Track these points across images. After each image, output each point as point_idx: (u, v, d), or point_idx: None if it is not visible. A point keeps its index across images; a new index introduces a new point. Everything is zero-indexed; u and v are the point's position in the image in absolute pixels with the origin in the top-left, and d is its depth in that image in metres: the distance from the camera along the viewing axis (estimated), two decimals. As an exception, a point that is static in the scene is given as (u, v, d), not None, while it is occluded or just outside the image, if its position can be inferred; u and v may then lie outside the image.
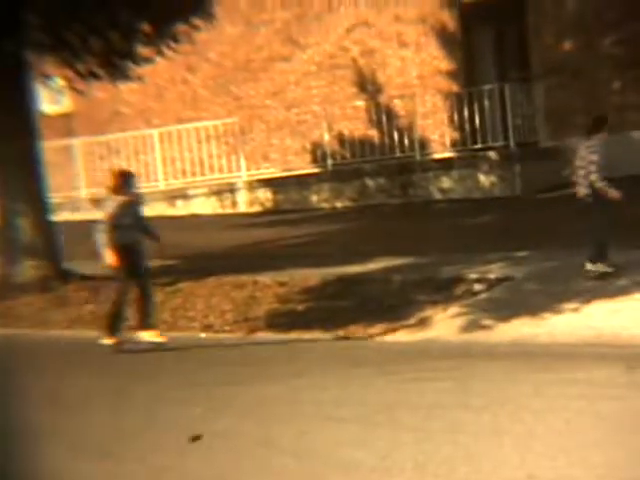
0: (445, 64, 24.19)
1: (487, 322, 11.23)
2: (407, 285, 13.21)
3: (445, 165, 22.37)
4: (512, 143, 21.80)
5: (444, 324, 11.47)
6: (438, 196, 21.90)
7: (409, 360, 10.14)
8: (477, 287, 12.83)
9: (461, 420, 7.23)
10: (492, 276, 13.20)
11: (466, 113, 22.66)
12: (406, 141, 23.20)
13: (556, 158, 21.76)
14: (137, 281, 11.13)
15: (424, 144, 23.53)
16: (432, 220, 19.42)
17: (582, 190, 12.12)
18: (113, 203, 10.89)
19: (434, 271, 13.82)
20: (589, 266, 12.10)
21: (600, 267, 11.98)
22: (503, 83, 22.47)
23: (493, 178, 21.60)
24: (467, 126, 22.62)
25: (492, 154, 21.89)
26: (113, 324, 11.12)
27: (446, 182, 22.09)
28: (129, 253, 10.82)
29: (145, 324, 11.34)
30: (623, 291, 11.30)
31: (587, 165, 11.99)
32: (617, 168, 20.94)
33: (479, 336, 10.82)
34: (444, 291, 12.75)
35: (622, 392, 7.71)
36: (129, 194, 11.11)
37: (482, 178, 21.72)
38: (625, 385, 7.96)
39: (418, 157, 22.83)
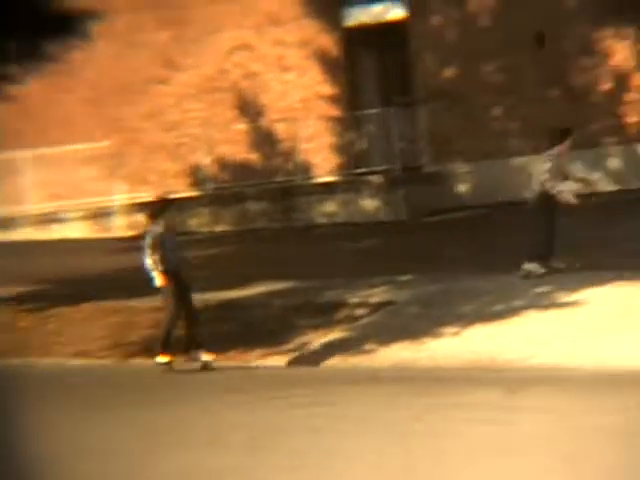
0: (328, 88, 24.25)
1: (368, 347, 11.15)
2: (288, 310, 13.06)
3: (329, 189, 22.38)
4: (396, 167, 21.95)
5: (323, 349, 11.33)
6: (321, 220, 21.87)
7: (287, 385, 9.97)
8: (359, 312, 12.76)
9: (339, 446, 7.08)
10: (374, 300, 13.17)
11: (349, 137, 22.76)
12: (289, 165, 23.14)
13: (440, 182, 22.08)
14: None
15: (307, 168, 23.51)
16: (315, 244, 19.34)
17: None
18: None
19: (315, 296, 13.71)
20: (527, 266, 12.53)
21: (534, 267, 12.40)
22: (387, 107, 22.66)
23: (377, 202, 21.71)
24: (351, 150, 22.70)
25: (376, 178, 22.01)
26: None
27: (330, 206, 22.09)
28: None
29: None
30: (500, 315, 11.37)
31: (544, 174, 12.35)
32: (497, 194, 21.59)
33: (360, 361, 10.73)
34: (325, 316, 12.63)
35: (502, 416, 7.69)
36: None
37: (366, 202, 21.80)
38: (504, 409, 7.96)
39: (301, 181, 22.77)
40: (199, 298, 13.97)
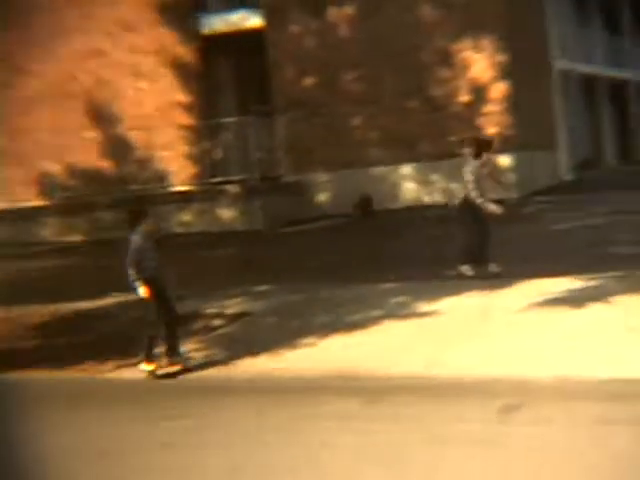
0: (184, 96, 23.97)
1: (226, 358, 10.87)
2: (143, 321, 12.64)
3: (185, 198, 22.06)
4: (254, 177, 21.81)
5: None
6: (178, 230, 21.50)
7: (140, 398, 9.59)
8: (215, 322, 12.50)
9: (195, 459, 6.82)
10: (231, 311, 12.94)
11: (206, 146, 22.50)
12: (144, 174, 22.68)
13: (299, 192, 22.05)
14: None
15: (163, 177, 23.14)
16: (170, 254, 18.86)
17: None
18: None
19: (171, 307, 13.33)
20: (464, 269, 12.58)
21: (466, 270, 12.56)
22: (244, 117, 22.53)
23: (235, 212, 21.52)
24: (207, 159, 22.45)
25: (233, 188, 21.81)
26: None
27: (186, 216, 21.79)
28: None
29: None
30: (359, 325, 11.31)
31: (466, 184, 12.47)
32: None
33: (217, 372, 10.43)
34: (181, 327, 12.26)
35: (362, 425, 7.65)
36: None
37: (223, 212, 21.59)
38: (364, 418, 7.91)
39: (156, 190, 22.33)
40: (51, 309, 13.51)
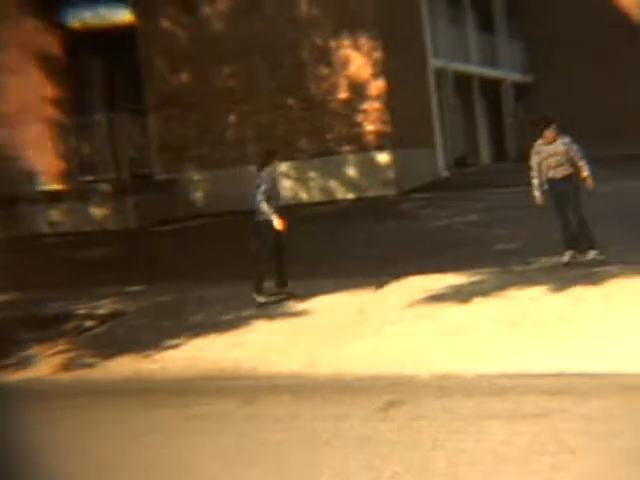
0: (52, 92, 23.34)
1: (97, 359, 10.65)
2: (9, 323, 12.26)
3: (54, 197, 21.48)
4: (125, 175, 21.41)
5: (49, 362, 10.68)
6: (46, 230, 20.94)
7: (8, 402, 9.24)
8: (87, 324, 12.26)
9: (59, 465, 6.61)
10: (103, 312, 12.69)
11: (75, 143, 21.97)
12: (10, 172, 21.97)
13: (173, 191, 21.75)
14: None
15: (30, 175, 22.44)
16: (39, 255, 18.45)
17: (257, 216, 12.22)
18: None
19: (40, 308, 13.04)
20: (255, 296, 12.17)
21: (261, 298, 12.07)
22: (114, 114, 22.10)
23: (106, 211, 21.08)
24: (77, 157, 21.92)
25: (104, 186, 21.36)
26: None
27: (55, 215, 21.23)
28: None
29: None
30: (234, 324, 11.22)
31: (256, 194, 12.19)
32: (232, 202, 21.53)
33: (89, 373, 10.21)
34: (51, 328, 11.97)
35: (240, 425, 7.60)
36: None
37: (94, 211, 21.13)
38: (243, 418, 7.85)
39: (24, 189, 21.68)
40: None
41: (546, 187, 11.94)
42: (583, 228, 11.85)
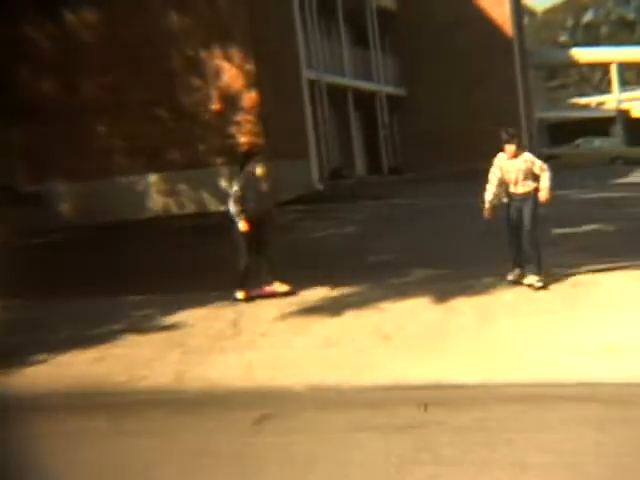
0: None
1: None
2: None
3: None
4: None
5: None
6: None
7: None
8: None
9: None
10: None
11: None
12: None
13: (38, 203, 21.14)
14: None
15: None
16: None
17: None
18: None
19: None
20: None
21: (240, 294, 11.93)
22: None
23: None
24: None
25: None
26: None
27: None
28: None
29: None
30: (104, 339, 10.91)
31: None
32: (101, 214, 21.12)
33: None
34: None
35: (107, 442, 7.35)
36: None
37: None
38: (110, 434, 7.59)
39: None
40: None
41: (504, 201, 11.54)
42: (534, 248, 11.41)
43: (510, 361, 8.63)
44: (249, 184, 12.11)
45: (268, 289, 12.09)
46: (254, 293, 12.02)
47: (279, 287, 12.04)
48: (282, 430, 7.21)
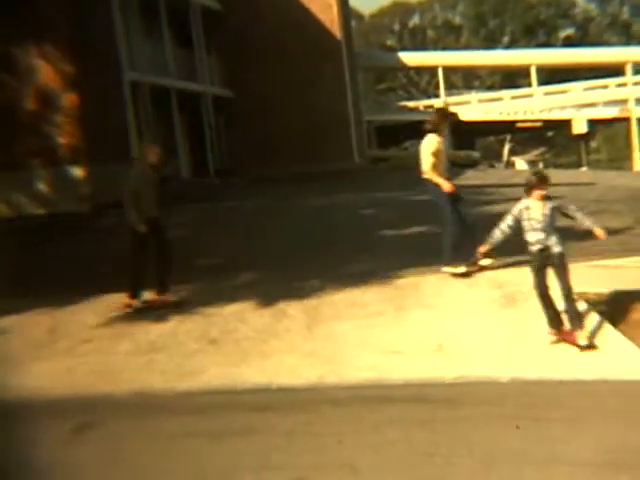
0: None
1: None
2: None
3: None
4: None
5: None
6: None
7: None
8: None
9: None
10: None
11: None
12: None
13: None
14: None
15: None
16: None
17: None
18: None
19: None
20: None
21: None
22: None
23: None
24: None
25: None
26: None
27: None
28: None
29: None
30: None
31: None
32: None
33: None
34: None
35: None
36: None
37: None
38: None
39: None
40: None
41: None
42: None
43: (340, 363, 8.73)
44: (143, 183, 11.51)
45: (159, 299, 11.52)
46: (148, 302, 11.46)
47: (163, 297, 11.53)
48: (103, 438, 7.05)
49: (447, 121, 12.44)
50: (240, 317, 10.49)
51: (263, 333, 9.87)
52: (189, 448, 6.61)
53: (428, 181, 11.81)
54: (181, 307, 11.17)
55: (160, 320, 10.60)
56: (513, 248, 10.08)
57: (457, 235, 11.49)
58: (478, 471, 6.03)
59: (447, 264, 11.53)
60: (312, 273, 12.24)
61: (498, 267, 11.48)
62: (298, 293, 11.23)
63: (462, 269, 11.41)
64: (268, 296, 11.16)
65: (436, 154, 11.75)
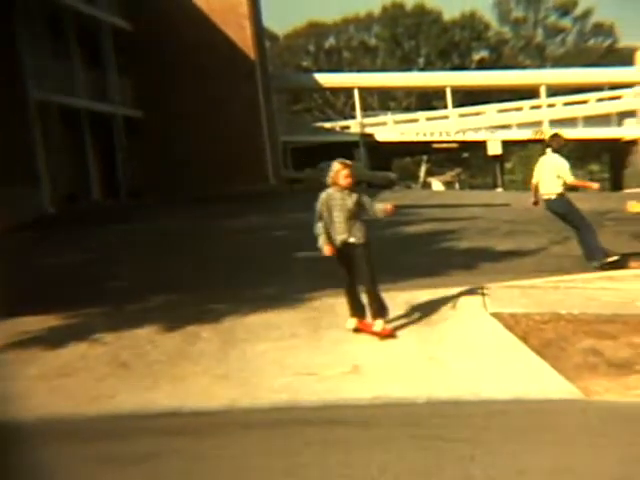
0: None
1: None
2: None
3: None
4: None
5: None
6: None
7: None
8: None
9: None
10: None
11: None
12: None
13: None
14: None
15: None
16: None
17: None
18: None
19: None
20: None
21: None
22: None
23: None
24: None
25: None
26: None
27: None
28: None
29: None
30: None
31: None
32: None
33: None
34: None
35: None
36: None
37: None
38: None
39: None
40: None
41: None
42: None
43: (254, 386, 8.71)
44: None
45: None
46: None
47: None
48: (7, 466, 6.90)
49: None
50: (152, 340, 10.40)
51: (175, 356, 9.81)
52: (95, 474, 6.51)
53: (561, 196, 13.51)
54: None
55: (70, 343, 10.44)
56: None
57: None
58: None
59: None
60: (226, 295, 12.23)
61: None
62: (211, 315, 11.21)
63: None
64: (180, 319, 11.11)
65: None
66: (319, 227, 10.08)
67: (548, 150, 13.68)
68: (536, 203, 13.94)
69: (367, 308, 10.24)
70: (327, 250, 10.01)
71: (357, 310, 10.33)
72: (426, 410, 8.05)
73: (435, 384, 8.65)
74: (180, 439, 7.33)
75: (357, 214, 10.06)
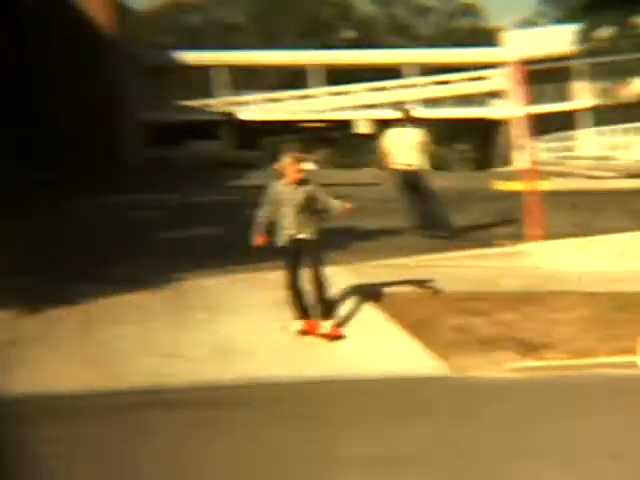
0: None
1: None
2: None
3: None
4: None
5: None
6: None
7: None
8: None
9: None
10: None
11: None
12: None
13: None
14: None
15: None
16: None
17: None
18: None
19: None
20: None
21: None
22: None
23: None
24: None
25: None
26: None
27: None
28: None
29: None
30: None
31: None
32: None
33: None
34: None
35: None
36: None
37: None
38: None
39: None
40: None
41: None
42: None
43: (117, 368, 8.58)
44: None
45: None
46: None
47: None
48: None
49: None
50: (7, 325, 10.07)
51: (34, 340, 9.52)
52: None
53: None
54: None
55: None
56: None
57: None
58: (252, 469, 6.13)
59: None
60: (86, 277, 11.91)
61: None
62: (71, 298, 10.90)
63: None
64: (38, 302, 10.75)
65: None
66: (260, 216, 9.73)
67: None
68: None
69: (310, 309, 9.78)
70: (256, 240, 9.73)
71: (302, 311, 9.78)
72: (290, 389, 8.13)
73: (300, 363, 8.68)
74: (32, 425, 7.09)
75: (307, 209, 9.73)
